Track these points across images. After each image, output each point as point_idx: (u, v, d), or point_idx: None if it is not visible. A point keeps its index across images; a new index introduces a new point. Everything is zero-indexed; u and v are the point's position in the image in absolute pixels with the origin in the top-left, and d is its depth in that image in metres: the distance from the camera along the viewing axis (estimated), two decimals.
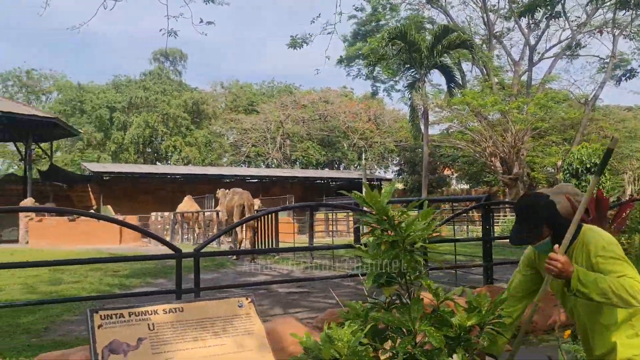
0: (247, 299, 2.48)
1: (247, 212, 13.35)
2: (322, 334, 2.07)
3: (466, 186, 41.36)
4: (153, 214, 25.25)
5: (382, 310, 2.35)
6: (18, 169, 37.97)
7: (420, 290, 2.35)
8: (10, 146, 35.57)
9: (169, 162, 43.35)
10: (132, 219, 23.81)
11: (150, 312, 2.32)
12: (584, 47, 29.46)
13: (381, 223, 2.21)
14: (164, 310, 2.35)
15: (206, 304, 2.43)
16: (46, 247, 19.31)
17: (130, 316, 2.29)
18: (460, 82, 27.26)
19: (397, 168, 46.25)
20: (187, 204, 24.87)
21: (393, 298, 2.40)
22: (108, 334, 2.22)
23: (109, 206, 28.53)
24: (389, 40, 22.93)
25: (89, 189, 31.00)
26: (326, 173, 41.06)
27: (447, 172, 42.50)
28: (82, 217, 23.24)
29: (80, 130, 32.24)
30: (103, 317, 2.21)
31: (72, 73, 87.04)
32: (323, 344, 1.98)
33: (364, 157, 30.36)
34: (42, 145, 29.44)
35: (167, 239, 22.52)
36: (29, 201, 23.07)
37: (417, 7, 32.44)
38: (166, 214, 25.01)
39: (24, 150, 27.37)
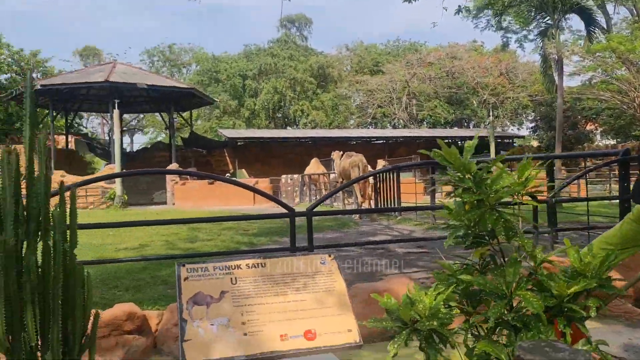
0: (330, 256, 2.55)
1: (360, 174, 13.70)
2: (403, 295, 2.08)
3: (612, 141, 37.63)
4: (283, 176, 26.33)
5: (475, 272, 2.29)
6: (165, 137, 41.53)
7: (517, 252, 2.22)
8: (158, 117, 38.90)
9: (298, 126, 44.75)
10: (264, 181, 25.11)
11: (233, 266, 2.47)
12: None
13: (463, 181, 2.13)
14: (247, 265, 2.49)
15: (289, 260, 2.53)
16: (189, 208, 21.15)
17: (214, 270, 2.46)
18: (603, 25, 24.55)
19: (532, 124, 43.35)
20: (314, 166, 25.56)
21: (487, 260, 2.32)
22: (193, 286, 2.40)
23: (243, 170, 30.30)
24: None
25: (226, 154, 33.13)
26: (453, 132, 39.72)
27: (589, 126, 38.92)
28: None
29: (215, 99, 34.31)
30: (189, 270, 2.42)
31: (208, 45, 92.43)
32: (403, 306, 1.98)
33: (491, 113, 28.76)
34: (183, 114, 31.88)
35: (296, 200, 23.52)
36: (173, 166, 25.25)
37: None
38: (295, 176, 25.93)
39: (168, 120, 29.88)
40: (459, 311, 2.22)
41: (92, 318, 1.76)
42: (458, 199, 2.17)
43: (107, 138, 33.12)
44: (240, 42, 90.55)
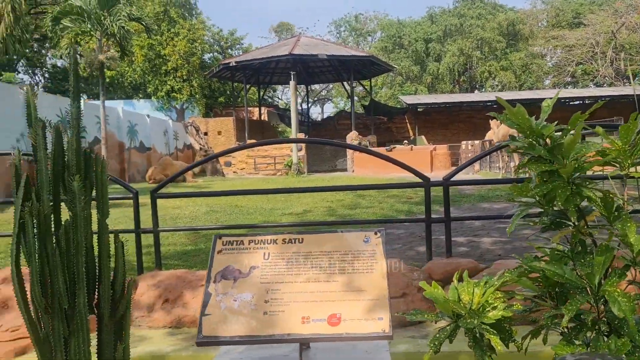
0: (376, 234, 2.32)
1: None
2: (451, 286, 1.83)
3: None
4: (463, 142, 25.34)
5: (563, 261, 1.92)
6: (347, 106, 42.71)
7: (611, 238, 1.81)
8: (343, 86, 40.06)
9: (484, 88, 42.42)
10: (442, 148, 24.49)
11: (269, 241, 2.38)
12: None
13: (533, 149, 1.77)
14: (283, 240, 2.38)
15: (329, 236, 2.34)
16: (369, 175, 21.61)
17: (249, 244, 2.40)
18: None
19: None
20: (504, 130, 24.15)
21: (578, 246, 1.93)
22: (225, 259, 2.36)
23: (423, 136, 29.87)
24: None
25: (406, 120, 32.95)
26: None
27: None
28: (399, 147, 25.02)
29: (395, 65, 34.11)
30: (224, 243, 2.39)
31: (394, 11, 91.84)
32: (445, 299, 1.75)
33: None
34: (364, 82, 32.37)
35: (476, 167, 22.52)
36: (353, 134, 25.90)
37: None
38: (476, 142, 24.78)
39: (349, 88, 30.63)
40: (537, 304, 1.90)
41: (125, 285, 1.88)
42: (531, 171, 1.83)
43: (300, 108, 35.26)
44: (426, 4, 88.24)
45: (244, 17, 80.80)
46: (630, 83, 39.21)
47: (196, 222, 8.29)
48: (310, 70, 31.41)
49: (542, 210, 1.86)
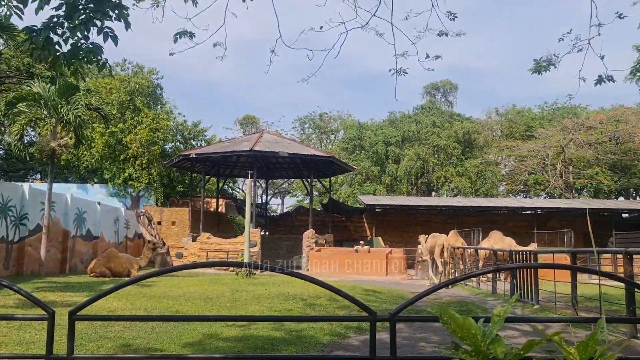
0: None
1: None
2: None
3: None
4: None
5: None
6: (306, 201, 42.85)
7: None
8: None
9: (439, 192, 43.49)
10: (398, 252, 24.36)
11: None
12: None
13: None
14: None
15: None
16: (323, 274, 21.13)
17: None
18: None
19: None
20: (453, 239, 24.35)
21: None
22: None
23: (379, 238, 29.83)
24: None
25: (364, 220, 33.03)
26: (614, 204, 35.50)
27: None
28: (360, 248, 24.78)
29: (354, 167, 34.74)
30: None
31: (357, 112, 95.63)
32: None
33: None
34: (324, 180, 32.68)
35: (430, 274, 22.33)
36: (310, 232, 25.66)
37: None
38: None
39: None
40: None
41: None
42: None
43: (260, 201, 35.02)
44: (388, 109, 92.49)
45: (212, 108, 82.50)
46: (579, 196, 40.92)
47: (128, 333, 7.64)
48: (271, 165, 31.64)
49: None
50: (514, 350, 1.65)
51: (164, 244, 21.93)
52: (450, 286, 17.42)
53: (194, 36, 7.30)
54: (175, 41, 7.30)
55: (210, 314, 9.55)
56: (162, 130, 31.14)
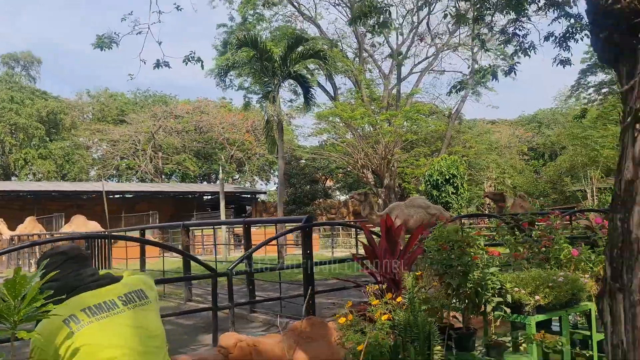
0: None
1: None
2: None
3: (345, 197, 41.26)
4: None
5: None
6: None
7: None
8: None
9: (20, 177, 38.89)
10: None
11: None
12: (446, 66, 30.40)
13: None
14: None
15: None
16: None
17: None
18: (328, 93, 26.76)
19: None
20: (29, 226, 22.15)
21: None
22: None
23: None
24: (237, 47, 21.71)
25: None
26: (197, 187, 39.05)
27: (329, 183, 42.09)
28: None
29: None
30: None
31: None
32: None
33: (221, 170, 28.83)
34: None
35: None
36: None
37: (290, 18, 31.84)
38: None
39: None
40: None
41: None
42: None
43: None
44: None
45: None
46: (168, 180, 43.16)
47: None
48: None
49: None
50: None
51: None
52: None
53: None
54: None
55: None
56: None
